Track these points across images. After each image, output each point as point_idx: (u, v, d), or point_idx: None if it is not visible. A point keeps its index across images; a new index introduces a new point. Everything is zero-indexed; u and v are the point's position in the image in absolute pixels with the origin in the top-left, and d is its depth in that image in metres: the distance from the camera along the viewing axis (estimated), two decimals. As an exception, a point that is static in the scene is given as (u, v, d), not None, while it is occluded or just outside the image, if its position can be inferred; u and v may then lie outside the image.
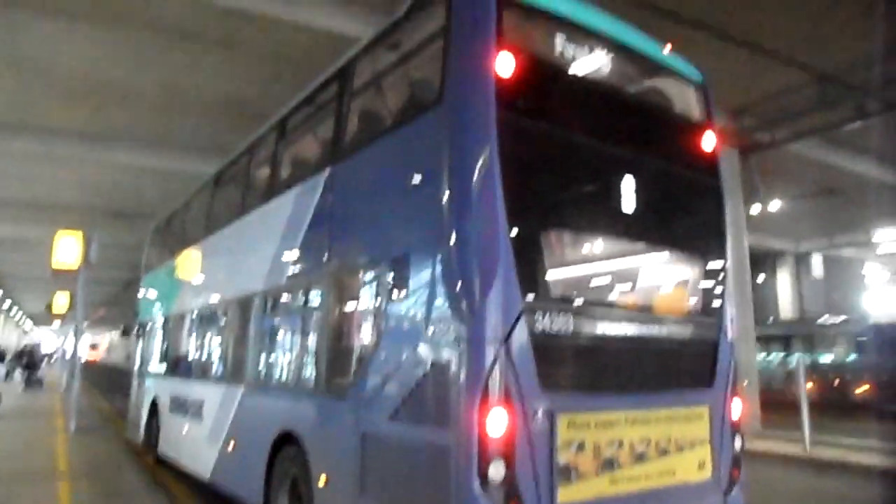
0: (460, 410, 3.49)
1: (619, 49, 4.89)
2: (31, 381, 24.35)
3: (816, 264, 29.40)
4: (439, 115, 4.06)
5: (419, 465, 3.82)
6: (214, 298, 8.07)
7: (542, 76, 4.29)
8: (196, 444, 7.62)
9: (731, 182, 13.72)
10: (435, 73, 4.18)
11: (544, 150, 4.14)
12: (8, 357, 29.45)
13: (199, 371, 8.39)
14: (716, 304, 4.94)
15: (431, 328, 3.83)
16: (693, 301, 4.98)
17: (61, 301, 22.61)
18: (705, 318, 4.87)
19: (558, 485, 3.61)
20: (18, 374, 25.89)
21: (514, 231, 3.66)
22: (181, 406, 8.45)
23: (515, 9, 4.19)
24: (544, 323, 3.73)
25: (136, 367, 11.94)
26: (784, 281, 29.12)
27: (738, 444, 4.71)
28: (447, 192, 3.84)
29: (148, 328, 11.32)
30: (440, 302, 3.80)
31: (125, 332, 14.26)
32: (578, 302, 4.25)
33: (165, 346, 10.16)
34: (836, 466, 9.85)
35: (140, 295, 12.71)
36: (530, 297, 3.69)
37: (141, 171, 16.28)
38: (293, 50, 10.31)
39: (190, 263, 9.35)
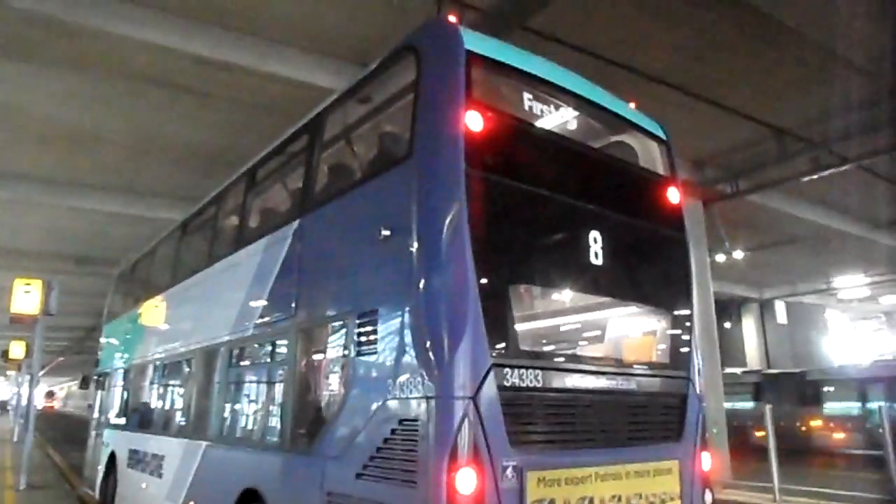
0: (428, 469, 3.43)
1: (584, 106, 5.04)
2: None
3: (780, 311, 29.99)
4: (408, 170, 4.09)
5: None
6: (178, 349, 7.85)
7: (510, 132, 4.37)
8: (154, 502, 7.37)
9: (696, 232, 14.02)
10: (405, 128, 4.25)
11: (513, 206, 4.17)
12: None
13: (159, 424, 8.18)
14: (683, 356, 4.97)
15: (399, 384, 3.78)
16: (661, 354, 5.00)
17: (17, 350, 21.84)
18: (673, 371, 4.88)
19: None
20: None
21: (483, 286, 3.66)
22: (140, 461, 8.19)
23: (484, 65, 4.28)
24: (513, 378, 3.71)
25: (94, 419, 11.64)
26: (749, 327, 29.60)
27: (708, 498, 4.69)
28: (416, 247, 3.85)
29: (108, 378, 11.10)
30: (408, 358, 3.76)
31: (84, 383, 13.78)
32: (547, 357, 4.33)
33: (126, 397, 9.94)
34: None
35: (101, 343, 12.49)
36: (499, 352, 3.68)
37: (108, 217, 15.99)
38: (265, 99, 10.37)
39: (154, 312, 9.20)
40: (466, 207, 3.74)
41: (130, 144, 12.42)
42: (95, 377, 12.10)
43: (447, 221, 3.76)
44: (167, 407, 8.25)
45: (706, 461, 4.76)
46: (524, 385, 3.76)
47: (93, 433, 11.45)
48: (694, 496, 4.54)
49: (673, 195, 5.32)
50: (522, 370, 3.77)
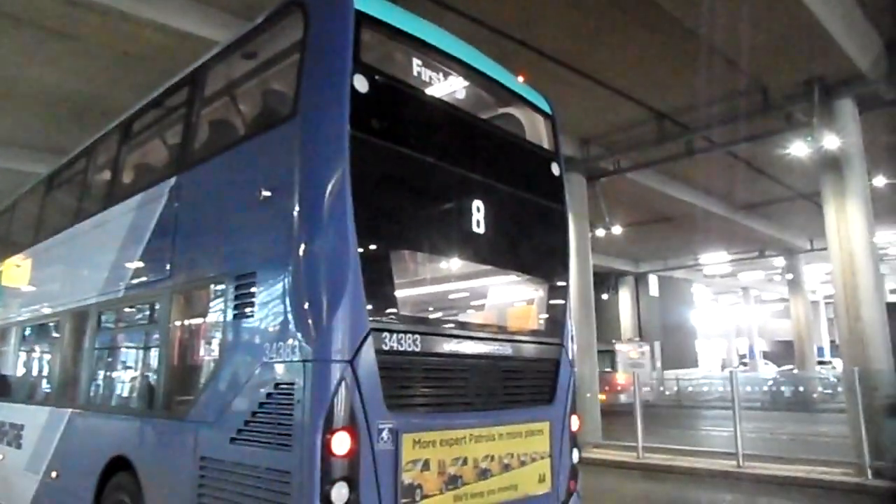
0: (304, 432, 3.43)
1: (473, 76, 5.05)
2: None
3: (653, 284, 32.16)
4: (292, 129, 3.97)
5: (261, 490, 3.66)
6: (42, 311, 7.41)
7: (398, 97, 4.33)
8: (12, 475, 7.04)
9: (579, 206, 14.66)
10: (290, 86, 4.12)
11: (397, 172, 4.18)
12: None
13: (19, 392, 7.71)
14: (558, 324, 5.17)
15: (277, 348, 3.73)
16: (537, 321, 5.18)
17: None
18: (548, 338, 5.07)
19: None
20: None
21: (364, 251, 3.66)
22: None
23: (374, 27, 4.20)
24: (392, 343, 3.75)
25: None
26: (625, 299, 31.56)
27: (575, 456, 4.99)
28: (296, 209, 3.76)
29: None
30: (286, 321, 3.71)
31: None
32: (427, 322, 4.42)
33: None
34: (663, 470, 10.76)
35: None
36: (378, 316, 3.71)
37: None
38: (142, 48, 9.62)
39: (15, 272, 8.49)
40: (349, 170, 3.69)
41: (-10, 90, 11.22)
42: None
43: (329, 183, 3.70)
44: (28, 373, 7.88)
45: (574, 423, 5.05)
46: (402, 349, 3.82)
47: None
48: (563, 454, 4.81)
49: (555, 169, 5.46)
50: (401, 335, 3.82)
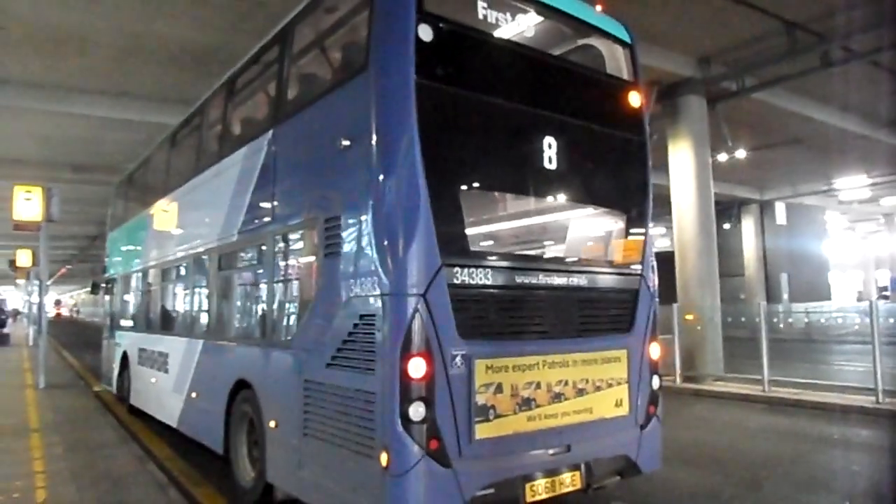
0: (384, 358, 3.86)
1: (543, 12, 5.11)
2: (1, 338, 24.01)
3: (780, 212, 30.04)
4: (364, 82, 4.22)
5: (351, 409, 4.15)
6: (173, 255, 8.32)
7: (463, 43, 4.45)
8: (163, 395, 8.13)
9: (698, 131, 13.84)
10: (364, 40, 4.35)
11: (464, 115, 4.37)
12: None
13: (163, 325, 8.77)
14: (637, 255, 5.22)
15: (360, 283, 4.16)
16: (614, 253, 5.23)
17: (23, 258, 22.11)
18: (626, 269, 5.16)
19: (476, 423, 4.00)
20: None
21: (434, 192, 3.94)
22: (149, 359, 8.90)
23: None
24: (463, 277, 4.07)
25: (106, 322, 12.40)
26: (748, 228, 29.72)
27: (655, 383, 5.14)
28: (370, 156, 4.10)
29: (116, 284, 11.72)
30: (367, 259, 4.09)
31: (94, 288, 14.44)
32: (496, 257, 4.69)
33: (132, 301, 10.64)
34: (791, 404, 10.32)
35: (107, 251, 13.04)
36: (449, 254, 3.99)
37: (100, 123, 15.66)
38: (256, -6, 9.95)
39: (151, 221, 9.52)
40: (416, 118, 3.94)
41: (118, 45, 11.99)
42: (104, 283, 12.68)
43: (397, 132, 3.99)
44: (168, 309, 8.81)
45: (655, 350, 5.19)
46: (473, 283, 4.12)
47: (106, 335, 12.18)
48: (642, 381, 5.00)
49: (634, 99, 5.39)
50: (472, 269, 4.12)
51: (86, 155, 19.60)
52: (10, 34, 11.48)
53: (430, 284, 3.87)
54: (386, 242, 3.95)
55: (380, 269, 3.96)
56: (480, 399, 4.03)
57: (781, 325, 22.61)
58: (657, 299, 5.35)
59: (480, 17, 4.69)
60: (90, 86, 13.90)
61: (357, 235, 4.23)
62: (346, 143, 4.36)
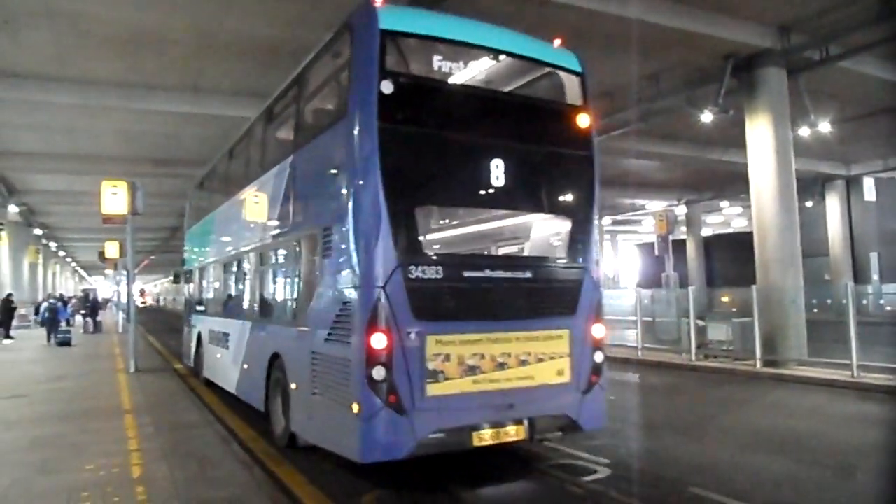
0: (356, 334, 5.19)
1: (497, 56, 6.16)
2: (94, 326, 25.52)
3: (868, 187, 28.26)
4: (345, 125, 5.52)
5: (339, 372, 5.48)
6: (228, 252, 10.17)
7: (417, 91, 5.63)
8: (226, 367, 9.69)
9: (778, 105, 13.18)
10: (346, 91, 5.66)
11: (418, 147, 5.51)
12: (72, 303, 30.76)
13: (224, 310, 10.41)
14: (581, 251, 6.18)
15: (343, 278, 5.51)
16: (560, 250, 6.23)
17: (111, 250, 23.40)
18: (571, 265, 6.13)
19: (427, 383, 5.17)
20: (80, 319, 27.11)
21: (391, 209, 5.14)
22: (215, 338, 10.64)
23: (399, 39, 5.60)
24: (416, 273, 5.21)
25: (185, 309, 14.19)
26: (833, 205, 28.16)
27: (598, 357, 6.06)
28: (349, 181, 5.41)
29: (191, 275, 13.56)
30: (347, 259, 5.41)
31: (175, 279, 16.10)
32: (445, 257, 5.84)
33: (203, 290, 12.48)
34: (883, 391, 9.76)
35: (185, 246, 14.80)
36: (404, 255, 5.17)
37: (179, 118, 16.35)
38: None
39: (214, 222, 11.34)
40: (378, 153, 5.15)
41: (193, 42, 12.45)
42: (183, 274, 14.48)
43: (365, 163, 5.21)
44: (228, 297, 10.46)
45: (598, 331, 6.08)
46: (426, 277, 5.24)
47: (185, 320, 13.86)
48: (584, 355, 5.93)
49: (583, 121, 6.28)
50: (424, 266, 5.26)
51: (165, 149, 20.49)
52: (93, 37, 12.09)
53: (388, 279, 5.08)
54: (357, 247, 5.26)
55: (355, 267, 5.25)
56: (431, 365, 5.19)
57: (871, 308, 21.41)
58: (602, 288, 6.38)
59: (436, 67, 5.85)
60: (168, 83, 14.51)
61: (341, 241, 5.52)
62: (334, 170, 5.73)
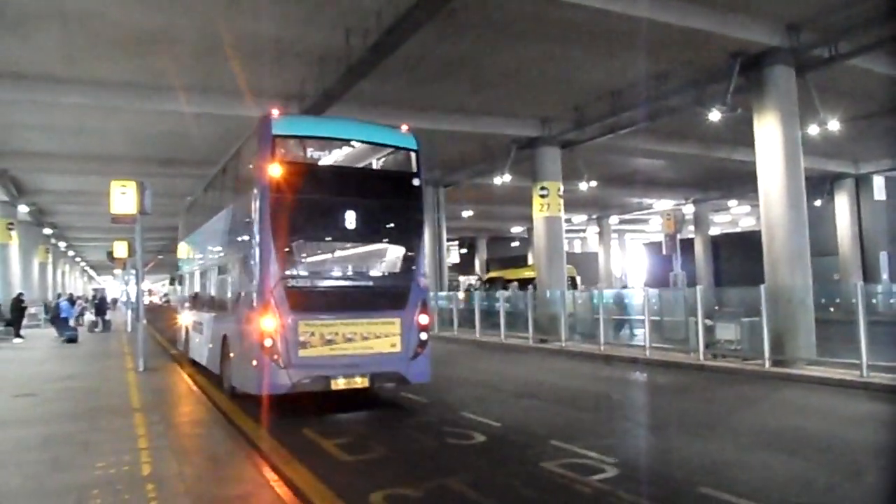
0: (256, 318, 8.27)
1: (353, 143, 9.45)
2: (103, 324, 25.65)
3: (878, 186, 28.07)
4: (253, 192, 8.65)
5: (249, 343, 8.53)
6: (201, 263, 13.66)
7: (296, 170, 8.70)
8: (200, 347, 12.82)
9: (786, 104, 13.11)
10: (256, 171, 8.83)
11: (295, 205, 8.47)
12: (81, 302, 30.92)
13: (199, 307, 13.48)
14: (409, 268, 9.24)
15: (252, 286, 8.62)
16: (392, 267, 9.43)
17: (120, 249, 23.52)
18: (401, 275, 9.25)
19: (299, 350, 8.19)
20: (89, 317, 27.24)
21: (277, 245, 8.29)
22: (195, 328, 13.86)
23: (283, 140, 8.73)
24: (293, 283, 8.36)
25: (178, 306, 17.83)
26: (842, 204, 28.00)
27: (423, 336, 8.99)
28: (252, 228, 8.55)
29: (182, 279, 17.09)
30: (251, 274, 8.68)
31: (172, 281, 20.32)
32: (312, 273, 8.93)
33: (187, 291, 15.76)
34: (892, 391, 9.69)
35: (178, 254, 17.94)
36: (284, 271, 8.33)
37: (186, 118, 16.42)
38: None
39: (195, 240, 14.48)
40: (269, 212, 8.29)
41: (201, 43, 12.51)
42: (178, 277, 18.30)
43: (261, 218, 8.34)
44: (199, 296, 13.73)
45: (423, 319, 9.02)
46: (298, 285, 8.42)
47: (179, 315, 16.87)
48: (411, 334, 8.85)
49: (415, 181, 9.27)
50: (297, 279, 8.48)
51: (173, 150, 20.59)
52: (103, 37, 12.15)
53: (275, 286, 8.18)
54: (258, 267, 8.38)
55: (256, 279, 8.41)
56: (302, 338, 8.22)
57: (881, 308, 21.24)
58: (428, 291, 10.16)
59: (310, 155, 9.53)
60: (176, 83, 14.55)
61: (248, 265, 8.86)
62: (247, 220, 8.85)
